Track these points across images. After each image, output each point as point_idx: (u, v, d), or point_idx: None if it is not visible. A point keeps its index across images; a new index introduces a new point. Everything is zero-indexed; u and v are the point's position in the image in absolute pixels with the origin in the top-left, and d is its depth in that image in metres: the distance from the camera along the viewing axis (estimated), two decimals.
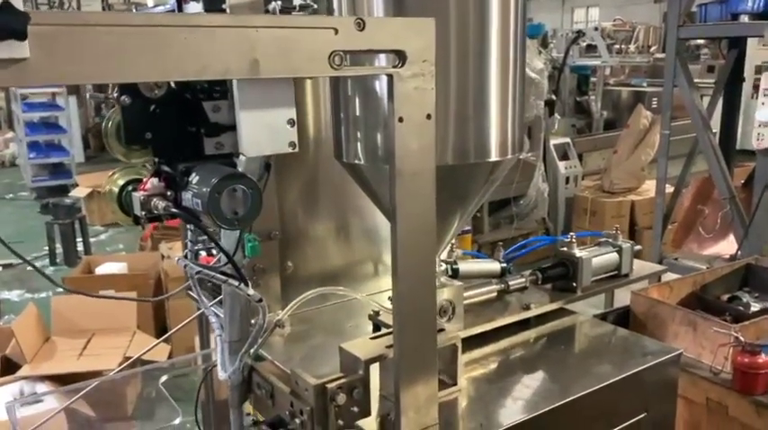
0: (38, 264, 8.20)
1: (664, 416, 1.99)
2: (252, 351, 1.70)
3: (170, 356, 4.80)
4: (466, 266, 2.21)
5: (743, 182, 4.42)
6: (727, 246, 4.27)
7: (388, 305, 1.89)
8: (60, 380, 4.42)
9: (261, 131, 1.35)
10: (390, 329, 1.78)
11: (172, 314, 5.64)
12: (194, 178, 1.41)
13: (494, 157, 1.78)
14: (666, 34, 4.09)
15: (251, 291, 1.48)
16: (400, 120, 1.39)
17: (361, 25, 1.31)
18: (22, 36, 0.94)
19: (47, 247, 8.25)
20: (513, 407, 1.73)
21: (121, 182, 1.55)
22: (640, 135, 8.23)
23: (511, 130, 1.79)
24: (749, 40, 4.30)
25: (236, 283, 1.47)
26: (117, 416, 4.00)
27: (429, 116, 1.43)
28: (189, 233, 1.94)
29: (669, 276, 3.60)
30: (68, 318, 5.04)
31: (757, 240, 3.77)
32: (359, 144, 1.82)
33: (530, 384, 1.85)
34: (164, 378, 2.29)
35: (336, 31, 1.28)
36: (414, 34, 1.39)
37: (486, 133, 1.76)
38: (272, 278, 2.20)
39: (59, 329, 5.01)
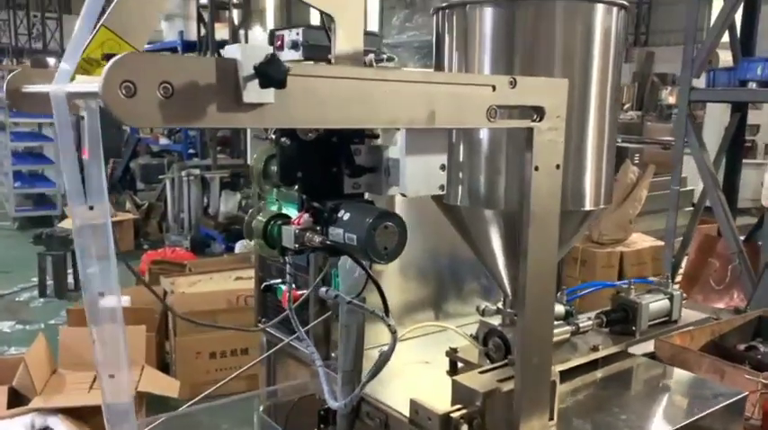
0: (26, 295, 8.06)
1: None
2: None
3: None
4: None
5: (743, 238, 4.67)
6: (733, 298, 4.49)
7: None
8: (71, 413, 4.36)
9: (420, 175, 1.47)
10: (499, 363, 1.89)
11: (178, 350, 5.61)
12: (345, 215, 1.52)
13: (588, 207, 1.93)
14: (679, 97, 4.36)
15: (392, 322, 1.58)
16: (536, 168, 1.53)
17: (513, 84, 1.46)
18: (282, 85, 1.05)
19: (35, 278, 8.12)
20: None
21: (264, 218, 1.64)
22: (628, 189, 8.56)
23: (605, 181, 1.94)
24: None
25: (381, 314, 1.57)
26: None
27: (558, 166, 1.57)
28: (288, 266, 2.04)
29: None
30: (76, 351, 4.97)
31: (765, 293, 3.98)
32: (460, 187, 1.95)
33: (617, 422, 1.95)
34: (261, 407, 2.33)
35: (494, 88, 1.43)
36: (551, 92, 1.54)
37: (581, 183, 1.91)
38: None
39: (67, 362, 4.94)
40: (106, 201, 1.28)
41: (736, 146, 4.80)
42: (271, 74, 1.04)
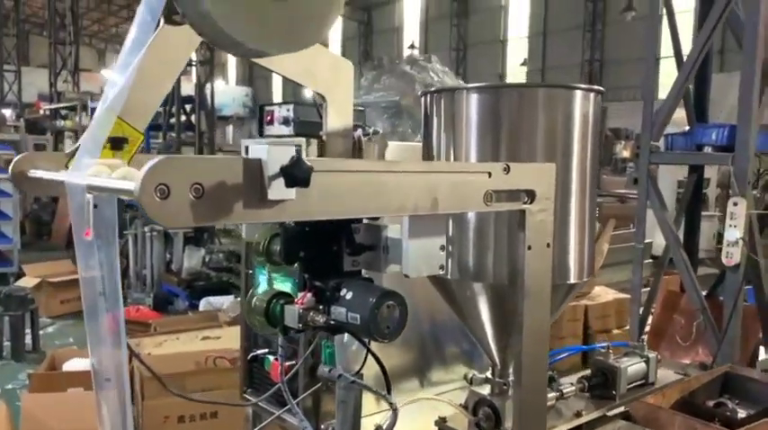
0: None
1: None
2: None
3: None
4: None
5: (705, 293, 4.84)
6: (699, 353, 4.63)
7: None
8: None
9: (421, 256, 1.54)
10: None
11: (146, 414, 5.46)
12: (347, 294, 1.57)
13: (572, 280, 2.02)
14: (639, 160, 4.58)
15: (393, 400, 1.61)
16: (529, 247, 1.62)
17: (506, 170, 1.55)
18: (307, 184, 1.12)
19: None
20: None
21: (265, 297, 1.68)
22: None
23: (587, 255, 2.04)
24: None
25: (383, 393, 1.60)
26: None
27: (549, 244, 1.66)
28: (280, 339, 2.06)
29: None
30: (39, 418, 4.80)
31: (730, 349, 4.13)
32: (450, 261, 2.02)
33: None
34: None
35: (489, 175, 1.52)
36: (541, 176, 1.64)
37: (566, 258, 2.01)
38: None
39: (29, 429, 4.76)
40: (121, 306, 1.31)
41: (695, 204, 5.03)
42: (297, 174, 1.10)
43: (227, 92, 34.21)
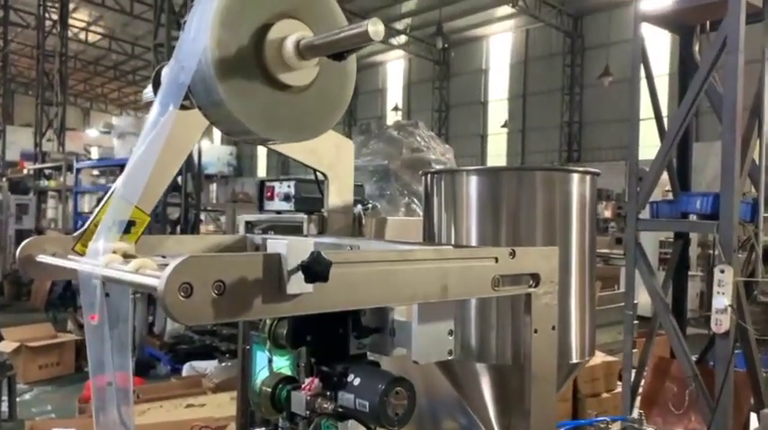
0: None
1: None
2: None
3: None
4: None
5: (696, 358, 4.85)
6: (692, 421, 4.60)
7: None
8: None
9: (430, 342, 1.54)
10: None
11: None
12: (355, 380, 1.56)
13: (574, 359, 2.03)
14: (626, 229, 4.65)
15: None
16: (535, 331, 1.63)
17: (512, 254, 1.58)
18: (326, 279, 1.14)
19: None
20: None
21: (272, 382, 1.67)
22: None
23: (588, 334, 2.06)
24: None
25: None
26: None
27: (554, 327, 1.68)
28: (281, 420, 2.04)
29: None
30: None
31: (723, 418, 4.11)
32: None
33: None
34: None
35: (497, 260, 1.55)
36: (545, 260, 1.67)
37: (568, 338, 2.02)
38: None
39: None
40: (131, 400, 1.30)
41: (681, 269, 5.10)
42: (316, 270, 1.12)
43: (212, 151, 34.50)
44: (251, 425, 2.49)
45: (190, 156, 11.99)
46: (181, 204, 11.40)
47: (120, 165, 11.19)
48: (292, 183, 2.40)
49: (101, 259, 1.38)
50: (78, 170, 13.29)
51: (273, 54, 1.45)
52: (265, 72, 1.46)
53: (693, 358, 4.80)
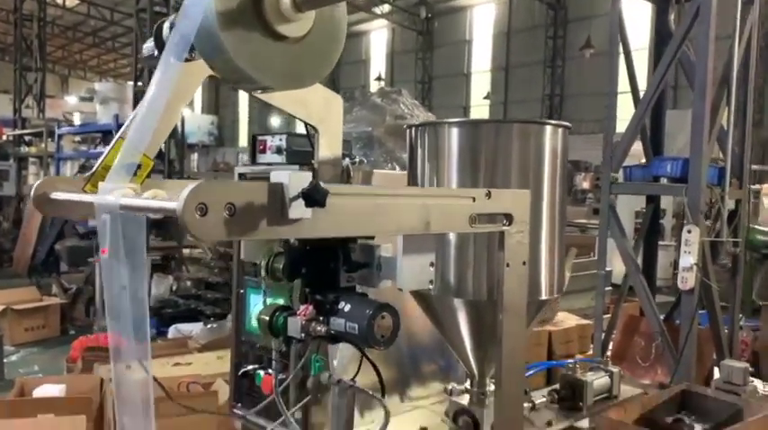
0: None
1: None
2: None
3: None
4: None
5: (663, 317, 5.11)
6: (657, 373, 4.88)
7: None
8: None
9: (414, 272, 1.71)
10: None
11: None
12: (345, 306, 1.73)
13: (543, 296, 2.21)
14: (602, 191, 4.86)
15: (386, 403, 1.77)
16: (507, 265, 1.81)
17: (488, 195, 1.75)
18: (323, 205, 1.29)
19: None
20: None
21: (269, 310, 1.83)
22: None
23: (557, 274, 2.24)
24: None
25: (378, 397, 1.76)
26: None
27: (524, 263, 1.85)
28: (274, 353, 2.21)
29: None
30: None
31: (686, 369, 4.37)
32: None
33: None
34: None
35: (474, 199, 1.71)
36: (518, 202, 1.84)
37: (537, 276, 2.20)
38: None
39: None
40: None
41: (652, 233, 5.33)
42: (316, 197, 1.28)
43: (193, 120, 34.24)
44: (244, 364, 2.67)
45: None
46: (164, 171, 11.42)
47: (104, 131, 11.19)
48: (284, 137, 2.53)
49: (116, 193, 1.51)
50: (60, 136, 13.23)
51: (272, 5, 1.59)
52: (264, 23, 1.60)
53: (662, 317, 5.06)
